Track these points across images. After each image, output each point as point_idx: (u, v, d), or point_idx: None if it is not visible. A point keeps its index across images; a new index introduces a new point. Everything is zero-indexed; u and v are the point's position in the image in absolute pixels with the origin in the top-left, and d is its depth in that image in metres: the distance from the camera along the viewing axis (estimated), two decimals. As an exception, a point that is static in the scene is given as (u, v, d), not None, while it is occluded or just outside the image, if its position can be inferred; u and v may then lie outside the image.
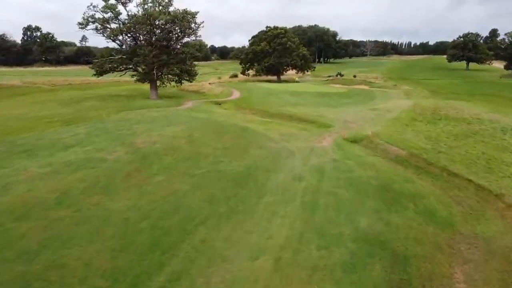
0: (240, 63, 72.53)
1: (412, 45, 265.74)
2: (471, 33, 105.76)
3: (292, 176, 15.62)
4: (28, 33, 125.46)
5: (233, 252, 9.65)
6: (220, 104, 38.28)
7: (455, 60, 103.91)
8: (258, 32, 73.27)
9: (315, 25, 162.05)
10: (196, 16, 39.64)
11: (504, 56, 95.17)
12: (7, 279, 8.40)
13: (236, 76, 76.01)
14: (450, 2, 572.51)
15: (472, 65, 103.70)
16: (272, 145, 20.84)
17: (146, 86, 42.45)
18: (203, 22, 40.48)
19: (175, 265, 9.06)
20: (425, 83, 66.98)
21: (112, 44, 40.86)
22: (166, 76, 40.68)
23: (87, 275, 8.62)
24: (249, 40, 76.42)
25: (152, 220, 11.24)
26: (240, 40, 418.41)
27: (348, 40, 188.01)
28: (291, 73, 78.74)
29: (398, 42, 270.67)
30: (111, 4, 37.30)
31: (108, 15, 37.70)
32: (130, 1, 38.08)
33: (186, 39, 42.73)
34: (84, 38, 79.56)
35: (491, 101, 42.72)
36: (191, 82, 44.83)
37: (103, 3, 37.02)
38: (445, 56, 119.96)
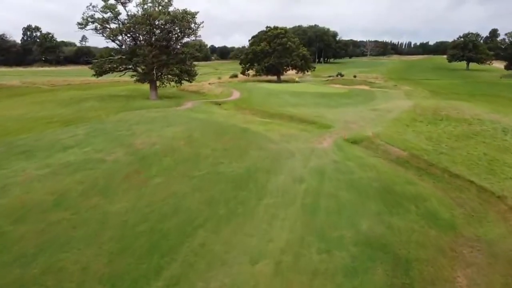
0: (240, 63, 72.39)
1: (412, 45, 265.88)
2: (471, 33, 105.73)
3: (293, 177, 15.48)
4: (28, 33, 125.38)
5: (232, 255, 9.51)
6: (220, 104, 38.14)
7: (455, 60, 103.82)
8: (258, 32, 73.15)
9: (315, 25, 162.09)
10: (196, 16, 39.53)
11: (504, 56, 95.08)
12: (3, 283, 8.27)
13: (236, 76, 75.89)
14: (450, 2, 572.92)
15: (472, 65, 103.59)
16: (272, 146, 20.70)
17: (146, 86, 42.32)
18: (203, 22, 40.42)
19: (174, 269, 8.92)
20: (425, 83, 66.86)
21: (112, 44, 40.82)
22: (165, 76, 40.56)
23: (84, 279, 8.49)
24: (249, 40, 76.38)
25: (151, 223, 11.10)
26: (240, 40, 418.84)
27: (348, 40, 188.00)
28: (291, 73, 78.60)
29: (398, 42, 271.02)
30: (111, 4, 37.18)
31: (107, 15, 37.60)
32: (129, 1, 38.01)
33: (186, 39, 42.68)
34: (84, 38, 79.75)
35: (492, 102, 42.59)
36: (191, 82, 44.70)
37: (102, 3, 36.93)
38: (445, 56, 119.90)
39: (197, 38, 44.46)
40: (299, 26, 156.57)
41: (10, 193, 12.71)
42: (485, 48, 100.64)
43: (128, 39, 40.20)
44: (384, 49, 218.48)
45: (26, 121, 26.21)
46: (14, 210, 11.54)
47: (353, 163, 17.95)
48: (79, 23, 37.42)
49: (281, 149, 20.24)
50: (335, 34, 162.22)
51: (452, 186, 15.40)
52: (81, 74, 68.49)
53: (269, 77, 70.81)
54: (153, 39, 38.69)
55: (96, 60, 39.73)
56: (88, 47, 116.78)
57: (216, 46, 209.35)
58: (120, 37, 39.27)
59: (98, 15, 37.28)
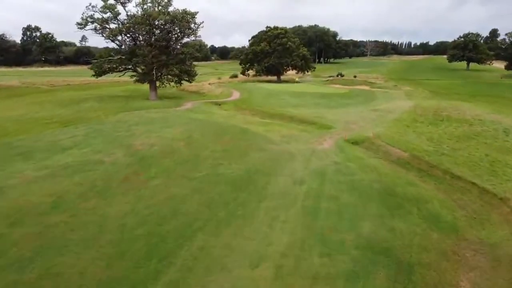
0: (240, 63, 72.23)
1: (412, 45, 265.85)
2: (472, 33, 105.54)
3: (293, 179, 15.33)
4: (28, 33, 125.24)
5: (232, 259, 9.36)
6: (219, 105, 37.99)
7: (455, 60, 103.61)
8: (258, 32, 73.00)
9: (315, 25, 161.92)
10: (195, 16, 39.40)
11: (504, 56, 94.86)
12: (-1, 288, 8.14)
13: (236, 76, 75.75)
14: (450, 2, 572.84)
15: (473, 65, 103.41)
16: (272, 147, 20.56)
17: (146, 86, 42.19)
18: (202, 22, 40.29)
19: (173, 273, 8.77)
20: (425, 83, 66.69)
21: (112, 45, 40.71)
22: (165, 76, 40.42)
23: (81, 284, 8.34)
24: (249, 40, 76.22)
25: (149, 226, 10.95)
26: (240, 40, 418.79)
27: (348, 40, 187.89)
28: (291, 73, 78.45)
29: (398, 42, 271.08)
30: (110, 4, 37.05)
31: (107, 15, 37.47)
32: (129, 1, 37.89)
33: (185, 39, 42.57)
34: (84, 38, 79.73)
35: (493, 102, 42.41)
36: (190, 82, 44.58)
37: (102, 3, 36.80)
38: (445, 56, 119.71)
39: (197, 38, 44.42)
40: (299, 26, 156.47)
41: (7, 196, 12.57)
42: (485, 48, 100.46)
43: (127, 39, 40.09)
44: (384, 49, 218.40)
45: (25, 122, 26.06)
46: (11, 213, 11.40)
47: (354, 165, 17.81)
48: (78, 23, 37.31)
49: (281, 150, 20.10)
50: (335, 34, 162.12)
51: (454, 188, 15.26)
52: (81, 74, 68.35)
53: (269, 77, 70.66)
54: (152, 39, 38.56)
55: (96, 60, 39.58)
56: (88, 47, 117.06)
57: (216, 46, 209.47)
58: (119, 37, 39.16)
59: (97, 15, 37.22)
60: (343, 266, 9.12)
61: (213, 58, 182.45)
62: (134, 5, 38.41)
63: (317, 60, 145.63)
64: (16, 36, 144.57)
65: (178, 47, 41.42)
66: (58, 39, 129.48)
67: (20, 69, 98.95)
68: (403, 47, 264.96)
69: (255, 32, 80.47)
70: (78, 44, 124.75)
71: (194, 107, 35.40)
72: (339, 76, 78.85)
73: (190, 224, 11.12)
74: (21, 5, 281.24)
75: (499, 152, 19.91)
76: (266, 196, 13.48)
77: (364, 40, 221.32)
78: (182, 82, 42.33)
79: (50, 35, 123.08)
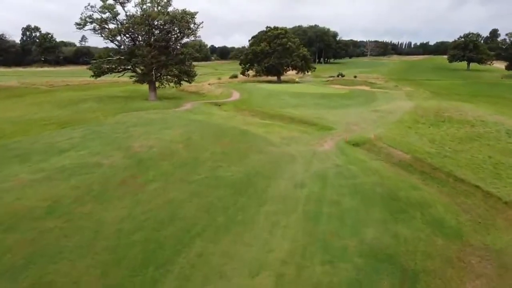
0: (240, 64, 71.98)
1: (412, 45, 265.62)
2: (472, 33, 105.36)
3: (294, 183, 15.05)
4: (27, 33, 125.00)
5: (231, 267, 9.07)
6: (219, 105, 37.73)
7: (456, 60, 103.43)
8: (258, 33, 72.75)
9: (315, 25, 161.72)
10: (195, 16, 39.15)
11: (505, 56, 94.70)
12: (-10, 298, 7.86)
13: (236, 76, 75.50)
14: (450, 2, 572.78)
15: (473, 65, 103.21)
16: (273, 149, 20.28)
17: (145, 87, 41.94)
18: (202, 22, 40.04)
19: (170, 282, 8.49)
20: (426, 83, 66.42)
21: (111, 45, 40.46)
22: (165, 77, 40.17)
23: (75, 293, 8.07)
24: (249, 41, 75.95)
25: (146, 231, 10.67)
26: (240, 40, 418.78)
27: (348, 40, 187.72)
28: (291, 73, 78.19)
29: (399, 42, 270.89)
30: (109, 4, 36.81)
31: (106, 15, 37.25)
32: (128, 1, 37.65)
33: (185, 40, 42.33)
34: (83, 38, 79.32)
35: (494, 103, 42.14)
36: (190, 83, 44.32)
37: (101, 3, 36.56)
38: (445, 56, 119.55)
39: (197, 38, 44.19)
40: (299, 26, 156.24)
41: (2, 200, 12.28)
42: (485, 48, 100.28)
43: (127, 40, 39.86)
44: (385, 49, 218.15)
45: (23, 123, 25.79)
46: (5, 218, 11.11)
47: (356, 167, 17.53)
48: (77, 23, 37.08)
49: (282, 152, 19.83)
50: (335, 34, 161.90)
51: (457, 191, 14.97)
52: (80, 74, 68.02)
53: (269, 78, 70.41)
54: (152, 39, 38.30)
55: (95, 61, 39.32)
56: (88, 47, 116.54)
57: (216, 46, 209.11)
58: (118, 38, 38.91)
59: (96, 15, 37.00)
60: (345, 275, 8.83)
61: (213, 58, 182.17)
62: (133, 5, 38.33)
63: (317, 60, 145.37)
64: (15, 36, 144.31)
65: (178, 47, 41.16)
66: (58, 39, 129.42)
67: (20, 69, 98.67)
68: (403, 47, 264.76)
69: (255, 32, 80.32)
70: (77, 44, 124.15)
71: (193, 107, 35.13)
72: (340, 76, 78.64)
73: (188, 230, 10.83)
74: (21, 5, 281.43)
75: (502, 154, 19.63)
76: (266, 200, 13.19)
77: (364, 40, 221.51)
78: (181, 82, 42.07)
79: (50, 35, 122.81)
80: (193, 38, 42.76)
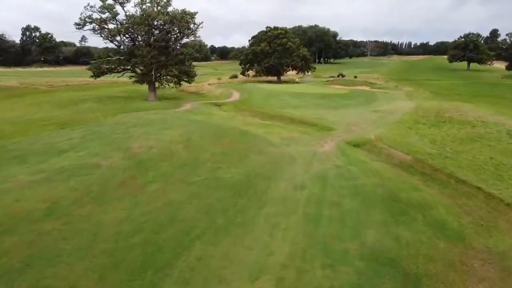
0: (240, 64, 71.87)
1: (412, 45, 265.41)
2: (472, 34, 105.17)
3: (294, 184, 14.94)
4: (27, 33, 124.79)
5: (231, 271, 8.96)
6: (219, 106, 37.61)
7: (456, 60, 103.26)
8: (258, 33, 72.64)
9: (315, 25, 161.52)
10: (195, 17, 39.03)
11: (505, 56, 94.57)
12: (-14, 302, 7.76)
13: (236, 76, 75.38)
14: (450, 2, 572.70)
15: (473, 65, 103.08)
16: (273, 150, 20.17)
17: (145, 87, 41.83)
18: (202, 22, 39.92)
19: (169, 286, 8.36)
20: (426, 84, 66.30)
21: (111, 45, 40.33)
22: (164, 77, 40.06)
23: (72, 298, 7.97)
24: (249, 41, 75.83)
25: (146, 234, 10.56)
26: (240, 40, 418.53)
27: (348, 40, 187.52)
28: (291, 73, 78.08)
29: (398, 42, 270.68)
30: (109, 4, 36.68)
31: (105, 15, 37.12)
32: (128, 1, 37.53)
33: (185, 40, 42.20)
34: (83, 38, 79.02)
35: (495, 103, 42.03)
36: (190, 83, 44.21)
37: (100, 3, 36.42)
38: (445, 56, 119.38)
39: (196, 39, 44.05)
40: (299, 26, 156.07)
41: (0, 202, 12.18)
42: (486, 49, 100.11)
43: (126, 40, 39.74)
44: (385, 49, 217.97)
45: (22, 124, 25.70)
46: (3, 220, 11.01)
47: (356, 168, 17.43)
48: (76, 24, 36.96)
49: (282, 153, 19.72)
50: (335, 34, 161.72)
51: (459, 193, 14.87)
52: (80, 74, 67.85)
53: (269, 78, 70.29)
54: (151, 39, 38.19)
55: (94, 61, 39.20)
56: (88, 47, 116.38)
57: (216, 46, 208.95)
58: (118, 38, 38.79)
59: (96, 16, 36.86)
60: (346, 279, 8.72)
61: (213, 58, 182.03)
62: (133, 5, 37.99)
63: (317, 60, 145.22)
64: (15, 36, 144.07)
65: (178, 47, 41.04)
66: (58, 39, 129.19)
67: (19, 69, 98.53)
68: (403, 47, 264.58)
69: (255, 32, 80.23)
70: (77, 44, 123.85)
71: (193, 108, 35.03)
72: (340, 76, 78.54)
73: (187, 232, 10.73)
74: (21, 5, 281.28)
75: (503, 155, 19.54)
76: (266, 202, 13.09)
77: (364, 40, 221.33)
78: (181, 82, 41.95)
79: (50, 35, 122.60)
80: (193, 38, 42.68)
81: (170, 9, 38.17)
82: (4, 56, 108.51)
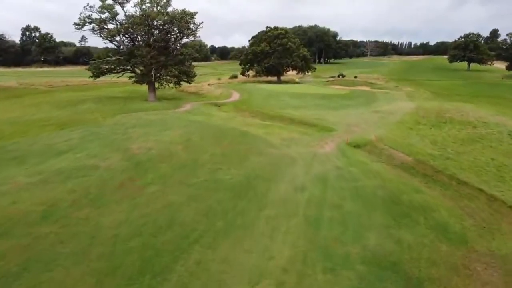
0: (240, 64, 71.75)
1: (412, 46, 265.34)
2: (473, 34, 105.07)
3: (294, 186, 14.79)
4: (27, 33, 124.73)
5: (230, 275, 8.82)
6: (219, 106, 37.46)
7: (456, 60, 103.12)
8: (258, 33, 72.49)
9: (316, 25, 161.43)
10: (195, 17, 38.92)
11: (505, 56, 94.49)
12: (-19, 308, 7.62)
13: (236, 77, 75.25)
14: (450, 2, 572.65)
15: (473, 65, 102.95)
16: (273, 151, 20.02)
17: (145, 87, 41.71)
18: (202, 22, 39.81)
19: (167, 291, 8.24)
20: (427, 84, 66.18)
21: (111, 45, 40.21)
22: (164, 77, 39.93)
23: (69, 303, 7.83)
24: (249, 41, 75.69)
25: (144, 237, 10.41)
26: (240, 40, 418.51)
27: (348, 41, 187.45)
28: (291, 74, 77.95)
29: (399, 43, 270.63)
30: (108, 4, 36.58)
31: (105, 15, 37.01)
32: (127, 1, 37.41)
33: (185, 40, 42.08)
34: (83, 38, 78.60)
35: (495, 103, 41.90)
36: (189, 83, 44.09)
37: (100, 3, 36.31)
38: (445, 56, 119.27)
39: (196, 39, 43.94)
40: (299, 26, 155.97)
41: (-3, 204, 12.05)
42: (486, 49, 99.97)
43: (126, 40, 39.63)
44: (385, 49, 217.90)
45: (21, 124, 25.57)
46: (0, 223, 10.87)
47: (357, 170, 17.28)
48: (76, 24, 36.85)
49: (282, 154, 19.57)
50: (335, 34, 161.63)
51: (461, 195, 14.73)
52: (80, 74, 67.73)
53: (269, 78, 70.15)
54: (151, 39, 38.07)
55: (94, 61, 39.06)
56: (88, 48, 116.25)
57: (216, 46, 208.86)
58: (118, 38, 38.67)
59: (95, 16, 36.74)
60: (348, 284, 8.57)
61: (213, 58, 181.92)
62: (133, 5, 37.90)
63: (317, 61, 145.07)
64: (15, 36, 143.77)
65: (177, 47, 40.91)
66: (58, 39, 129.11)
67: (19, 69, 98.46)
68: (403, 47, 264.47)
69: (255, 32, 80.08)
70: (77, 44, 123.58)
71: (193, 108, 34.89)
72: (340, 76, 78.41)
73: (186, 235, 10.58)
74: (21, 5, 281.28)
75: (505, 156, 19.41)
76: (266, 204, 12.94)
77: (364, 40, 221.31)
78: (181, 83, 41.83)
79: (49, 35, 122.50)
80: (192, 38, 42.57)
81: (169, 9, 38.13)
82: (3, 56, 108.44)
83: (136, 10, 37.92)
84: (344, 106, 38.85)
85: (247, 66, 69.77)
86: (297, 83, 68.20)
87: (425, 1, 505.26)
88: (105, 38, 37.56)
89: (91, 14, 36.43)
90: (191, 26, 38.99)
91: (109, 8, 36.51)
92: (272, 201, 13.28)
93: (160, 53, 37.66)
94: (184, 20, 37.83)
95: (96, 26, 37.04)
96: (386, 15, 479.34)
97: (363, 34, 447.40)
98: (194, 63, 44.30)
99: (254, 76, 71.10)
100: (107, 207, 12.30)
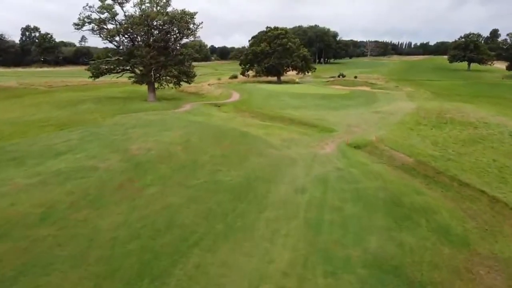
0: (240, 64, 71.62)
1: (412, 46, 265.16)
2: (473, 34, 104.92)
3: (295, 187, 14.67)
4: (27, 33, 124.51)
5: (230, 279, 8.70)
6: (219, 106, 37.35)
7: (456, 60, 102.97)
8: (258, 33, 72.38)
9: (316, 25, 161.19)
10: (194, 17, 38.80)
11: (506, 56, 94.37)
12: (-23, 312, 7.50)
13: (235, 77, 75.12)
14: (450, 2, 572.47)
15: (473, 65, 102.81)
16: (273, 152, 19.91)
17: (144, 87, 41.60)
18: (202, 22, 39.71)
19: (166, 295, 8.13)
20: (427, 84, 66.06)
21: (111, 45, 40.08)
22: (164, 77, 39.81)
23: (67, 307, 7.71)
24: (249, 41, 75.57)
25: (143, 240, 10.30)
26: (240, 40, 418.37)
27: (348, 41, 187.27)
28: (291, 74, 77.82)
29: (399, 43, 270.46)
30: (108, 5, 36.45)
31: (104, 15, 36.89)
32: (127, 1, 37.28)
33: (184, 40, 41.96)
34: (83, 39, 78.36)
35: (496, 103, 41.80)
36: (189, 83, 43.97)
37: (99, 3, 36.18)
38: (446, 56, 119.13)
39: (196, 39, 43.82)
40: (299, 26, 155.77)
41: (-5, 206, 11.93)
42: (486, 49, 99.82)
43: (125, 40, 39.51)
44: (385, 49, 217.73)
45: (21, 125, 25.47)
46: (-2, 225, 10.77)
47: (358, 171, 17.17)
48: (75, 24, 36.73)
49: (282, 155, 19.46)
50: (335, 35, 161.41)
51: (462, 196, 14.62)
52: (80, 75, 67.62)
53: (269, 78, 70.02)
54: (151, 40, 37.95)
55: (93, 62, 38.93)
56: (88, 48, 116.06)
57: (216, 46, 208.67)
58: (117, 38, 38.56)
59: (95, 16, 36.61)
60: None
61: (213, 58, 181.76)
62: (132, 5, 37.72)
63: (317, 61, 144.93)
64: (15, 36, 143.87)
65: (177, 47, 40.79)
66: (58, 39, 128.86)
67: (19, 69, 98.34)
68: (403, 47, 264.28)
69: (255, 32, 79.99)
70: (77, 45, 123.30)
71: (193, 109, 34.77)
72: (341, 76, 78.27)
73: (186, 238, 10.46)
74: (21, 5, 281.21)
75: (507, 157, 19.30)
76: (266, 206, 12.82)
77: (364, 40, 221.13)
78: (181, 83, 41.71)
79: (49, 35, 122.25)
80: (192, 39, 42.42)
81: (169, 9, 38.02)
82: (3, 56, 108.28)
83: (135, 10, 37.89)
84: (344, 106, 38.74)
85: (247, 66, 69.65)
86: (297, 83, 68.06)
87: (425, 1, 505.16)
88: (104, 38, 37.47)
89: (91, 14, 36.39)
90: (191, 26, 38.89)
91: (109, 8, 36.40)
92: (272, 203, 13.16)
93: (159, 53, 37.54)
94: (184, 20, 37.71)
95: (96, 26, 36.93)
96: (386, 15, 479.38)
97: (363, 34, 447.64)
98: (194, 63, 44.22)
99: (254, 76, 70.97)
100: (106, 209, 12.19)
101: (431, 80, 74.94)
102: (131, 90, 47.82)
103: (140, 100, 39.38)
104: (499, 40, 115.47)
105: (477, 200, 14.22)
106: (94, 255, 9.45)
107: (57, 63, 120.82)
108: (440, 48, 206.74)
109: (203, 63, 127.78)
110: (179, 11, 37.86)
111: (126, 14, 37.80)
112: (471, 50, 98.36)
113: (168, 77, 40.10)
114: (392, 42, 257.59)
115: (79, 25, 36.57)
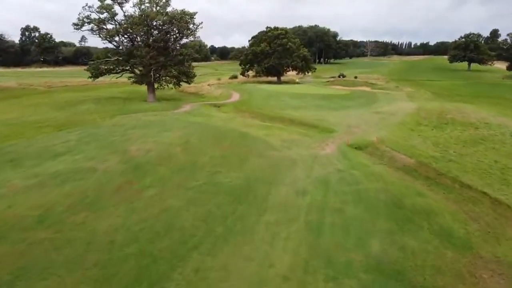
0: (240, 64, 71.48)
1: (412, 46, 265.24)
2: (473, 34, 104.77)
3: (295, 189, 14.52)
4: (26, 33, 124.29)
5: (230, 284, 8.55)
6: (219, 107, 37.19)
7: (456, 60, 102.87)
8: (258, 33, 72.24)
9: (316, 25, 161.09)
10: (194, 17, 38.66)
11: (506, 56, 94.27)
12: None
13: (235, 77, 74.99)
14: (450, 2, 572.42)
15: (474, 65, 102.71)
16: (273, 153, 19.76)
17: (144, 88, 41.46)
18: (201, 22, 39.57)
19: (164, 301, 7.99)
20: (427, 84, 65.93)
21: (111, 45, 39.91)
22: (164, 78, 39.67)
23: (63, 313, 7.57)
24: (249, 41, 75.42)
25: (141, 243, 10.15)
26: (240, 40, 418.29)
27: (348, 41, 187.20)
28: (291, 74, 77.68)
29: (399, 43, 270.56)
30: (107, 5, 36.32)
31: (104, 15, 36.75)
32: (126, 1, 37.11)
33: (184, 40, 41.82)
34: (83, 39, 77.99)
35: (496, 104, 41.67)
36: (189, 84, 43.82)
37: (98, 3, 36.04)
38: (446, 56, 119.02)
39: (196, 39, 43.67)
40: (299, 26, 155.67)
41: (-9, 209, 11.79)
42: (486, 49, 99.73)
43: (125, 40, 39.35)
44: (385, 49, 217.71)
45: (19, 125, 25.32)
46: (-6, 228, 10.63)
47: (359, 172, 17.01)
48: (74, 24, 36.58)
49: (282, 156, 19.31)
50: (335, 35, 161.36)
51: (464, 198, 14.46)
52: (79, 75, 67.41)
53: (269, 78, 69.88)
54: (150, 40, 37.80)
55: (93, 62, 38.78)
56: (88, 48, 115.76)
57: (216, 46, 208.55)
58: (117, 38, 38.41)
59: (94, 16, 36.47)
60: (351, 293, 8.32)
61: (213, 58, 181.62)
62: (132, 5, 37.54)
63: (317, 61, 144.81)
64: (14, 36, 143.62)
65: (177, 48, 40.64)
66: (57, 39, 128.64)
67: (19, 69, 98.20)
68: (403, 47, 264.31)
69: (255, 32, 79.87)
70: (77, 45, 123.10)
71: (192, 109, 34.61)
72: (341, 76, 78.13)
73: (185, 241, 10.32)
74: (21, 5, 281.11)
75: (508, 158, 19.16)
76: (266, 209, 12.66)
77: (364, 40, 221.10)
78: (180, 83, 41.56)
79: (49, 36, 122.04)
80: (192, 39, 42.26)
81: (169, 9, 37.88)
82: (3, 56, 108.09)
83: (135, 10, 37.74)
84: (345, 106, 38.58)
85: (247, 66, 69.51)
86: (297, 83, 67.91)
87: (425, 1, 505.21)
88: (104, 38, 37.33)
89: (90, 14, 36.23)
90: (191, 26, 38.75)
91: (108, 8, 36.26)
92: (273, 205, 13.01)
93: (159, 54, 37.39)
94: (184, 20, 37.57)
95: (95, 26, 36.79)
96: (386, 15, 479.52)
97: (363, 34, 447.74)
98: (193, 64, 44.06)
99: (254, 76, 70.83)
100: (104, 212, 12.05)
101: (432, 80, 74.82)
102: (130, 91, 47.67)
103: (139, 101, 39.23)
104: (499, 40, 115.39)
105: (479, 202, 14.06)
106: (91, 259, 9.30)
107: (56, 63, 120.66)
108: (440, 48, 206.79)
109: (203, 63, 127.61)
110: (179, 11, 37.72)
111: (126, 14, 37.70)
112: (471, 50, 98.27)
113: (167, 77, 39.96)
114: (392, 42, 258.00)
115: (78, 25, 36.43)
